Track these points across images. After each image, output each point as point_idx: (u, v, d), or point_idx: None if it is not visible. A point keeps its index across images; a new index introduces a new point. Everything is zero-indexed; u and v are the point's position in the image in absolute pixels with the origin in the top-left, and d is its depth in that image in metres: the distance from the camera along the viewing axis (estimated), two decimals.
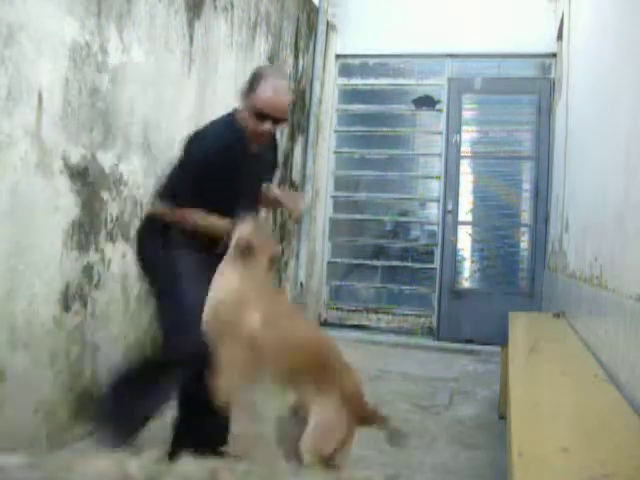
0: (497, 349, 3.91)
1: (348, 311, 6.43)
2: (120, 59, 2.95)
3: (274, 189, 2.77)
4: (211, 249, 2.28)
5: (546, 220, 5.99)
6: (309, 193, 5.88)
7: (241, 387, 2.07)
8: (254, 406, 2.42)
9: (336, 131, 6.64)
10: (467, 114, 6.39)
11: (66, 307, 2.69)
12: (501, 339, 3.88)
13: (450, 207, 6.26)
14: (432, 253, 6.37)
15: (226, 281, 2.11)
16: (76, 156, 2.69)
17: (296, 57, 5.62)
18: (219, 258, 2.21)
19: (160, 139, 3.36)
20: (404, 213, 6.63)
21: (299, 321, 2.36)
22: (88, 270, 2.82)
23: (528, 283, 6.12)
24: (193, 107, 3.72)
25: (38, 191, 2.48)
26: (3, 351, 2.34)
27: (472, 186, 6.42)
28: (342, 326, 6.34)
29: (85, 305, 2.81)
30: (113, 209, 2.99)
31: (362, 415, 2.12)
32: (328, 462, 2.01)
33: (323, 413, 1.99)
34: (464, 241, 6.36)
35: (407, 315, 6.29)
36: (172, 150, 3.49)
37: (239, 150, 2.49)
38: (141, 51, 3.12)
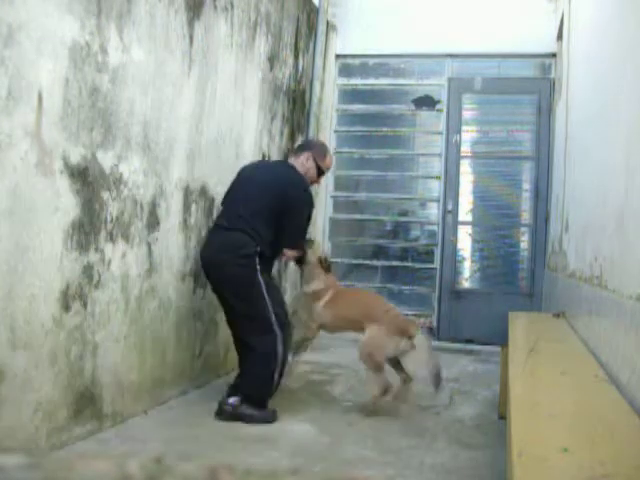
0: (497, 349, 3.91)
1: None
2: (120, 59, 2.95)
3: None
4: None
5: (546, 220, 5.99)
6: None
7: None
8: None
9: (336, 131, 6.64)
10: (467, 114, 6.39)
11: (66, 307, 2.69)
12: (501, 339, 3.88)
13: (450, 207, 6.26)
14: (432, 253, 6.37)
15: (314, 283, 3.79)
16: (76, 156, 2.69)
17: (296, 57, 5.62)
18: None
19: (160, 139, 3.36)
20: (404, 213, 6.63)
21: (356, 292, 4.57)
22: (88, 270, 2.82)
23: (528, 283, 6.12)
24: (193, 107, 3.72)
25: (38, 191, 2.47)
26: (3, 351, 2.34)
27: (472, 186, 6.42)
28: None
29: (85, 305, 2.81)
30: (113, 209, 2.99)
31: (400, 329, 3.54)
32: (378, 364, 3.52)
33: (372, 331, 3.54)
34: (464, 241, 6.36)
35: (407, 315, 6.28)
36: (172, 150, 3.50)
37: None
38: (141, 51, 3.12)
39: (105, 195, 2.92)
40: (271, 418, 3.32)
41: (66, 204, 2.65)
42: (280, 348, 3.35)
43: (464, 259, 6.38)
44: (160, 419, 3.30)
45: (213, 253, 3.44)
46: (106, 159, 2.90)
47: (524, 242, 6.23)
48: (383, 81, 6.59)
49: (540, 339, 3.12)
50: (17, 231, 2.39)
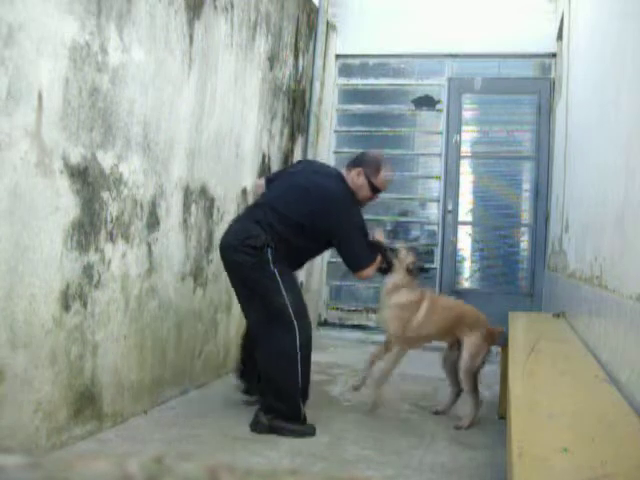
0: (497, 349, 3.91)
1: (348, 311, 6.43)
2: (120, 59, 2.95)
3: None
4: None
5: (546, 220, 5.99)
6: None
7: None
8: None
9: (336, 131, 6.64)
10: (467, 114, 6.39)
11: (66, 307, 2.69)
12: (501, 339, 3.88)
13: (450, 207, 6.26)
14: (432, 253, 6.37)
15: (401, 293, 3.52)
16: (76, 156, 2.69)
17: (296, 57, 5.62)
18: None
19: (160, 139, 3.36)
20: (404, 213, 6.63)
21: (449, 300, 3.92)
22: (88, 270, 2.82)
23: (528, 283, 6.12)
24: (193, 107, 3.72)
25: (38, 191, 2.47)
26: (3, 351, 2.34)
27: (472, 186, 6.42)
28: (342, 326, 6.34)
29: (85, 305, 2.81)
30: (113, 209, 2.99)
31: (492, 337, 3.53)
32: (475, 374, 3.45)
33: (471, 343, 3.45)
34: (464, 241, 6.36)
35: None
36: (172, 150, 3.50)
37: None
38: (141, 51, 3.12)
39: (105, 195, 2.92)
40: (310, 431, 3.17)
41: (66, 204, 2.65)
42: (299, 347, 3.14)
43: (464, 259, 6.38)
44: (160, 419, 3.30)
45: (226, 239, 3.32)
46: (106, 159, 2.90)
47: (524, 242, 6.23)
48: (383, 81, 6.59)
49: (540, 339, 3.12)
50: (17, 231, 2.39)
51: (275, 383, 3.19)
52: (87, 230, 2.80)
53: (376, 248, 3.48)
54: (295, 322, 3.15)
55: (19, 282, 2.41)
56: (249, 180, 4.63)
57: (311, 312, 3.47)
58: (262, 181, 3.74)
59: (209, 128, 3.95)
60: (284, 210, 3.25)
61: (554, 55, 6.05)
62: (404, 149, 6.65)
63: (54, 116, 2.54)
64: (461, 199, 6.30)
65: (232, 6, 4.15)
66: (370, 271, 3.40)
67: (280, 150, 5.29)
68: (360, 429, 3.33)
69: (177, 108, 3.53)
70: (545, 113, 6.10)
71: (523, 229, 6.25)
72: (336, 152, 6.58)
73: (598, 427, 1.72)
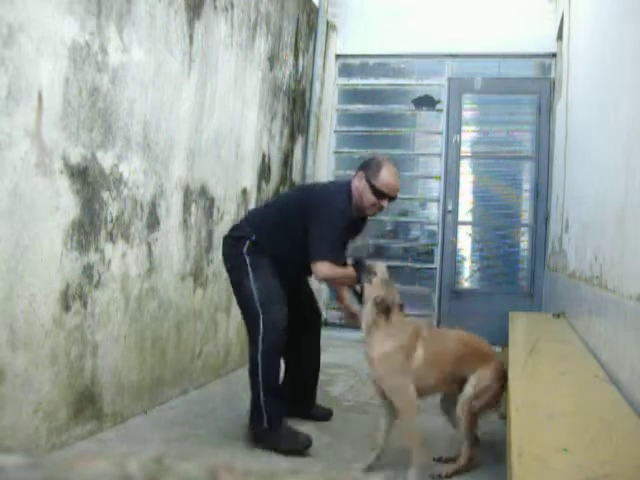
0: (497, 349, 3.91)
1: None
2: (120, 59, 2.95)
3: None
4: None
5: (546, 220, 5.99)
6: None
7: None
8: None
9: (336, 131, 6.64)
10: (467, 114, 6.40)
11: (66, 307, 2.69)
12: (501, 339, 3.88)
13: (450, 207, 6.26)
14: (432, 253, 6.37)
15: (382, 337, 2.75)
16: (76, 156, 2.69)
17: (296, 57, 5.62)
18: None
19: (160, 139, 3.36)
20: (404, 213, 6.63)
21: (447, 333, 3.06)
22: (88, 270, 2.82)
23: (528, 283, 6.12)
24: (193, 107, 3.72)
25: (38, 191, 2.47)
26: (3, 351, 2.34)
27: (472, 186, 6.42)
28: (342, 326, 6.33)
29: (85, 305, 2.81)
30: (113, 209, 2.98)
31: (505, 378, 2.61)
32: (476, 417, 2.72)
33: (479, 378, 2.70)
34: (464, 241, 6.36)
35: (407, 315, 6.27)
36: (172, 150, 3.50)
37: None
38: (141, 51, 3.12)
39: (105, 195, 2.91)
40: (300, 445, 2.90)
41: (66, 204, 2.65)
42: (260, 356, 2.93)
43: (464, 259, 6.38)
44: (160, 419, 3.30)
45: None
46: (106, 159, 2.90)
47: (524, 242, 6.23)
48: (383, 81, 6.59)
49: (540, 339, 3.12)
50: (17, 231, 2.39)
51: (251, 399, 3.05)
52: (87, 230, 2.80)
53: (355, 266, 3.10)
54: (260, 311, 2.99)
55: (19, 282, 2.41)
56: (249, 180, 4.63)
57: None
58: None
59: (209, 128, 3.95)
60: (273, 209, 3.33)
61: (554, 55, 6.05)
62: (404, 149, 6.65)
63: (54, 116, 2.54)
64: (461, 199, 6.30)
65: (232, 6, 4.15)
66: (327, 270, 3.00)
67: (280, 150, 5.29)
68: (360, 429, 3.33)
69: (177, 108, 3.53)
70: (545, 113, 6.10)
71: (523, 229, 6.25)
72: (336, 152, 6.58)
73: (598, 427, 1.72)
